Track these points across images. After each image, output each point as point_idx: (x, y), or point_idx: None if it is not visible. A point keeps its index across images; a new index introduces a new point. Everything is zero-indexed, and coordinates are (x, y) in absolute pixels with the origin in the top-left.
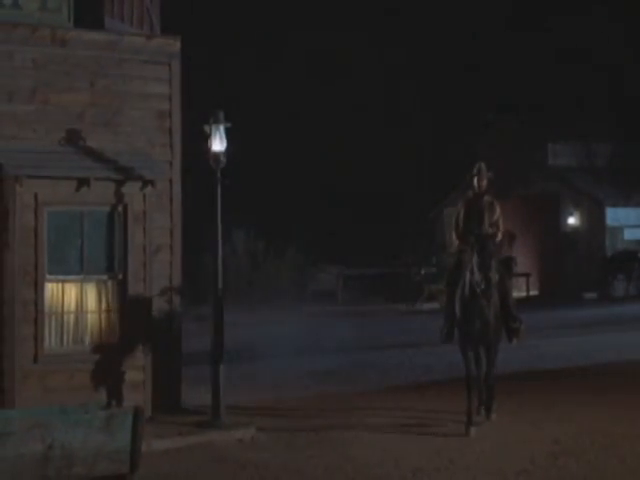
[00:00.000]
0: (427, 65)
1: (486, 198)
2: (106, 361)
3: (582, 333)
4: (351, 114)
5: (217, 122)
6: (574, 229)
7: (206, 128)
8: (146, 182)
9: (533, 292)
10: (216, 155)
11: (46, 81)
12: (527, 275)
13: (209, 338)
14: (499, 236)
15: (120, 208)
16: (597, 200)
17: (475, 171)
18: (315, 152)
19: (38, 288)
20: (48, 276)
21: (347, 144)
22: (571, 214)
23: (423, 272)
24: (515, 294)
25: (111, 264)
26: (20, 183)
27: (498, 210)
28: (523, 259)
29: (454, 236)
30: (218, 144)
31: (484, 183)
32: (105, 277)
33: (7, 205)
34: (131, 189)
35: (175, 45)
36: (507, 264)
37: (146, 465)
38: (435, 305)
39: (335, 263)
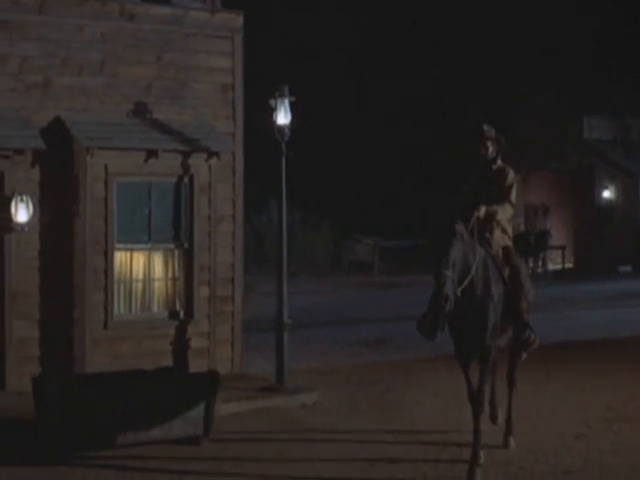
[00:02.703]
0: (463, 42)
1: (495, 166)
2: (172, 328)
3: (619, 305)
4: (384, 89)
5: (282, 96)
6: (609, 202)
7: (271, 102)
8: (211, 154)
9: (568, 265)
10: (281, 128)
11: (114, 54)
12: (562, 248)
13: (256, 306)
14: (508, 209)
15: (186, 179)
16: (632, 174)
17: (478, 137)
18: (351, 125)
19: (108, 257)
20: (117, 245)
21: (378, 117)
22: (606, 187)
23: None
24: (550, 267)
25: (177, 233)
26: (91, 154)
27: (510, 176)
28: (558, 232)
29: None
30: (283, 117)
31: (489, 149)
32: (172, 246)
33: (78, 176)
34: (197, 160)
35: (238, 20)
36: (543, 237)
37: (216, 428)
38: None
39: (370, 234)
